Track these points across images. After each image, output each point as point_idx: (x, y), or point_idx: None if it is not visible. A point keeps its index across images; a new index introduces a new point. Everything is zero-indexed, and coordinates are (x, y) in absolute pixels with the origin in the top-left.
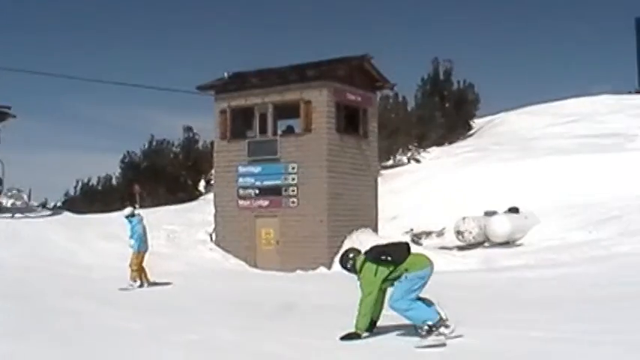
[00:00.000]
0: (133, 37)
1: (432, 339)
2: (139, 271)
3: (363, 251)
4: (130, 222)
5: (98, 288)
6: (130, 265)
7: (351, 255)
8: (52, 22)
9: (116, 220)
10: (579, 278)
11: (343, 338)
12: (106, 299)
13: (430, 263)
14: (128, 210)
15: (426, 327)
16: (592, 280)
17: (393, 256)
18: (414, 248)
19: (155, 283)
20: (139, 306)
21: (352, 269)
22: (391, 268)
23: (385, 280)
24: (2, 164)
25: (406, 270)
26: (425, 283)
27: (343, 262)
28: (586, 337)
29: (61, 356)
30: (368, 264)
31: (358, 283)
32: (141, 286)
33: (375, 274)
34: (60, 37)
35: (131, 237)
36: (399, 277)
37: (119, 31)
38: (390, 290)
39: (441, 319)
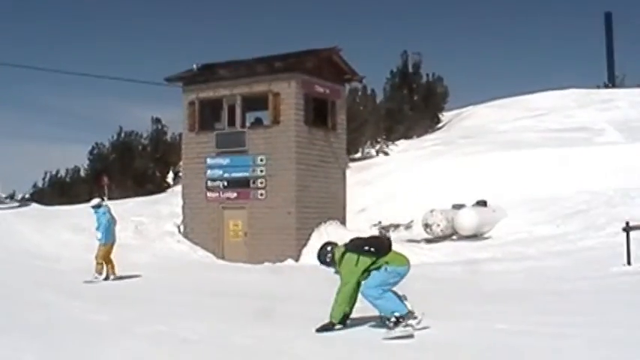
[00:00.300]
0: (101, 28)
1: (399, 330)
2: (105, 264)
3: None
4: (96, 212)
5: (65, 280)
6: (96, 257)
7: (329, 248)
8: (19, 10)
9: (83, 211)
10: (545, 271)
11: (319, 330)
12: (73, 291)
13: (409, 263)
14: (95, 201)
15: (393, 318)
16: (558, 273)
17: (376, 248)
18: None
19: (121, 277)
20: (107, 298)
21: (331, 262)
22: (373, 259)
23: (365, 270)
24: None
25: (386, 263)
26: (399, 281)
27: (322, 257)
28: (551, 330)
29: (29, 348)
30: (349, 254)
31: (337, 274)
32: (106, 278)
33: (357, 264)
34: (27, 27)
35: (97, 228)
36: (378, 268)
37: (87, 22)
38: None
39: (409, 312)
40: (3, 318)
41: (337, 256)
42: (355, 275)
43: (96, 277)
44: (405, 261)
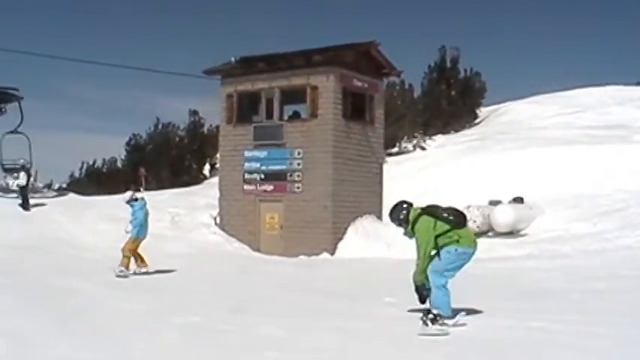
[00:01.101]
0: (140, 21)
1: (435, 328)
2: (132, 257)
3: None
4: (132, 206)
5: (100, 269)
6: (123, 250)
7: (404, 205)
8: (58, 3)
9: (120, 202)
10: (581, 270)
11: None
12: (109, 280)
13: (476, 244)
14: (128, 194)
15: (431, 315)
16: (594, 272)
17: (454, 218)
18: None
19: (157, 271)
20: (142, 288)
21: (403, 221)
22: (447, 229)
23: (438, 236)
24: (29, 140)
25: (458, 240)
26: (465, 263)
27: (394, 215)
28: (585, 329)
29: (63, 335)
30: (425, 217)
31: (406, 235)
32: (133, 273)
33: (434, 227)
34: (68, 20)
35: (131, 222)
36: (449, 244)
37: (127, 14)
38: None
39: (449, 317)
40: (38, 306)
41: (412, 215)
42: (431, 237)
43: (121, 271)
44: (473, 241)
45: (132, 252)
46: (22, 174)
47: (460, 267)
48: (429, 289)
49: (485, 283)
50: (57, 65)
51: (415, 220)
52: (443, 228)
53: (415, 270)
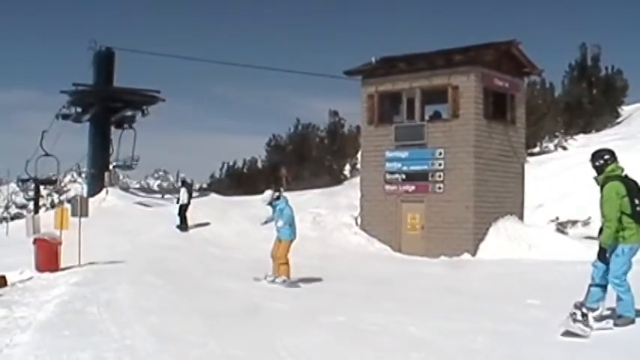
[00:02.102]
0: (281, 23)
1: (578, 327)
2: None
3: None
4: (275, 206)
5: (244, 268)
6: (278, 257)
7: (606, 156)
8: (200, 6)
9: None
10: None
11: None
12: (251, 279)
13: None
14: (268, 194)
15: (580, 312)
16: None
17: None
18: (559, 237)
19: (298, 280)
20: (283, 287)
21: (598, 167)
22: (629, 213)
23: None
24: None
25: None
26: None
27: (595, 159)
28: None
29: (211, 334)
30: (618, 184)
31: (597, 183)
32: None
33: (620, 197)
34: (210, 23)
35: (278, 222)
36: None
37: (268, 17)
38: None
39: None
40: (186, 304)
41: (607, 170)
42: (617, 204)
43: (284, 281)
44: None
45: (287, 258)
46: (183, 190)
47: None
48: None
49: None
50: (200, 67)
51: (605, 179)
52: (624, 208)
53: (604, 233)
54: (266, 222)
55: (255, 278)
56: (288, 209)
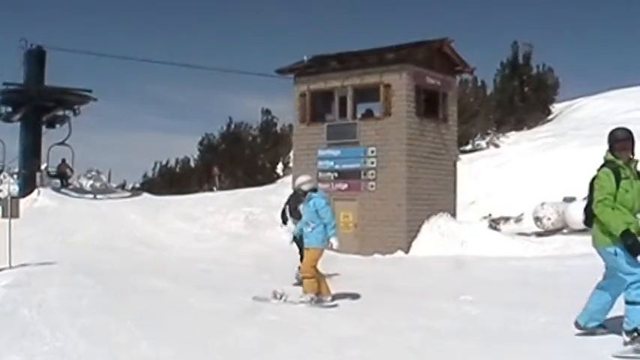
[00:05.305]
0: (211, 20)
1: (633, 349)
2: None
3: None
4: (309, 199)
5: (178, 268)
6: (304, 272)
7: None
8: (132, 4)
9: (194, 201)
10: None
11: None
12: (187, 280)
13: None
14: (305, 178)
15: (634, 334)
16: None
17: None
18: (491, 234)
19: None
20: (219, 287)
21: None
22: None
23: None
24: (72, 151)
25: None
26: None
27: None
28: None
29: (144, 335)
30: (607, 172)
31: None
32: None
33: (615, 186)
34: (139, 21)
35: (307, 224)
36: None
37: (199, 15)
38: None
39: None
40: (118, 305)
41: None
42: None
43: (312, 299)
44: None
45: (315, 268)
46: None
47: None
48: None
49: (563, 280)
50: (130, 66)
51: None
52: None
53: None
54: (295, 238)
55: (256, 298)
56: (329, 208)
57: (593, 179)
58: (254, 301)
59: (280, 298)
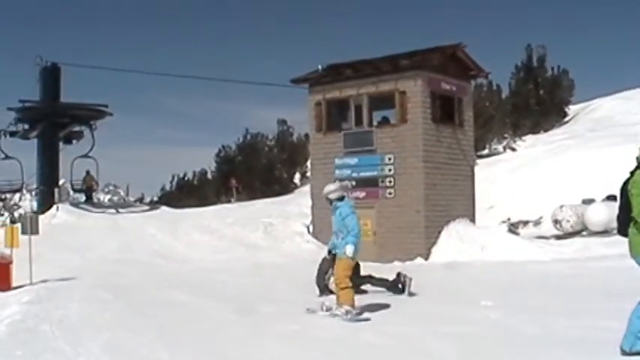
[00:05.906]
0: (225, 32)
1: None
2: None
3: None
4: (336, 207)
5: (196, 280)
6: (337, 281)
7: None
8: (146, 18)
9: (212, 213)
10: None
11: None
12: (207, 291)
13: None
14: (334, 186)
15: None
16: None
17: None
18: (511, 238)
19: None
20: (238, 298)
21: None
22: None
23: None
24: (96, 162)
25: None
26: None
27: None
28: None
29: (165, 348)
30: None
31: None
32: (359, 314)
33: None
34: (155, 34)
35: (350, 233)
36: None
37: (211, 26)
38: None
39: None
40: (139, 319)
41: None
42: None
43: (347, 312)
44: None
45: (348, 277)
46: None
47: None
48: None
49: (581, 282)
50: (145, 80)
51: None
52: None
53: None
54: (330, 252)
55: (310, 310)
56: (354, 217)
57: (625, 183)
58: (307, 313)
59: (327, 310)
